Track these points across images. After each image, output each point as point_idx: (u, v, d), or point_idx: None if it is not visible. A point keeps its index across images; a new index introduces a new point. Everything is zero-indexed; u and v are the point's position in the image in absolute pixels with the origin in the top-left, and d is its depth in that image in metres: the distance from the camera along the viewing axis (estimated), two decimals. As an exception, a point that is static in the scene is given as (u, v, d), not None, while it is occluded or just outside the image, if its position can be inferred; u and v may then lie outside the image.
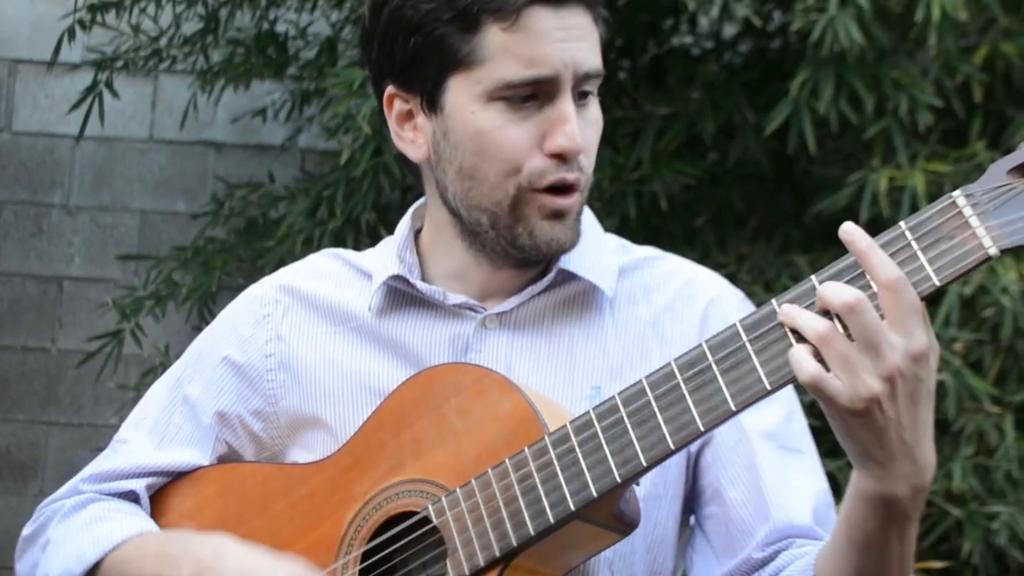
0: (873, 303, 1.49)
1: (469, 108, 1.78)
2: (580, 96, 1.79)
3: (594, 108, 1.82)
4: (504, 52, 1.74)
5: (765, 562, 1.77)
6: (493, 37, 1.74)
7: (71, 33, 4.13)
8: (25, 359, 4.50)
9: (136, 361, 4.14)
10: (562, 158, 1.76)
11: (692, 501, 1.87)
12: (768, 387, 1.56)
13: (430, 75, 1.80)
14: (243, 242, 4.11)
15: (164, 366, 2.01)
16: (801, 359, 1.51)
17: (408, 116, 1.86)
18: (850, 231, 1.52)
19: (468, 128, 1.79)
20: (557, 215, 1.79)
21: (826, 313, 1.52)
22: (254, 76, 4.20)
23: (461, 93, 1.78)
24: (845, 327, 1.50)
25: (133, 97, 4.46)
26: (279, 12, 4.15)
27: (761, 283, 3.55)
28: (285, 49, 4.19)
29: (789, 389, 1.83)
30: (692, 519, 1.88)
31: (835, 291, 1.51)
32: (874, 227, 1.58)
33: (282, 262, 3.25)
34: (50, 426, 4.47)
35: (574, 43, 1.75)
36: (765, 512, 1.79)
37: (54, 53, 4.14)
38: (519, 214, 1.79)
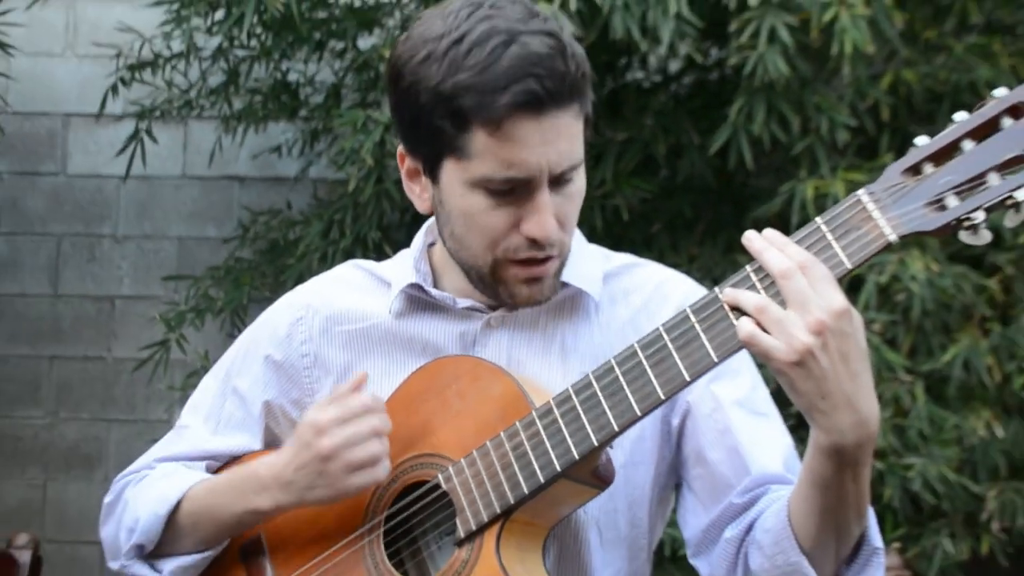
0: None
1: (458, 190, 1.75)
2: (561, 181, 1.74)
3: (576, 183, 1.77)
4: (487, 152, 1.69)
5: (746, 507, 1.77)
6: (479, 139, 1.69)
7: (114, 89, 4.13)
8: (86, 367, 4.49)
9: (180, 365, 4.14)
10: (535, 242, 1.74)
11: (679, 467, 1.87)
12: (715, 359, 1.60)
13: (428, 153, 1.77)
14: (267, 261, 4.11)
15: (205, 369, 2.01)
16: (742, 325, 1.55)
17: (415, 174, 1.83)
18: (748, 238, 1.57)
19: (457, 205, 1.76)
20: (533, 280, 1.78)
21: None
22: (270, 119, 4.21)
23: (452, 175, 1.75)
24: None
25: (168, 141, 4.45)
26: (290, 64, 4.15)
27: (709, 279, 3.56)
28: (296, 95, 4.19)
29: (752, 365, 1.88)
30: (681, 484, 1.88)
31: (774, 259, 1.55)
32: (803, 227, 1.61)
33: (301, 277, 3.27)
34: (110, 423, 4.46)
35: (551, 146, 1.69)
36: (743, 466, 1.79)
37: (100, 107, 4.15)
38: (499, 277, 1.79)
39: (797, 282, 1.52)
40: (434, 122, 1.71)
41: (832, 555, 1.66)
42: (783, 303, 1.53)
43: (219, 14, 3.83)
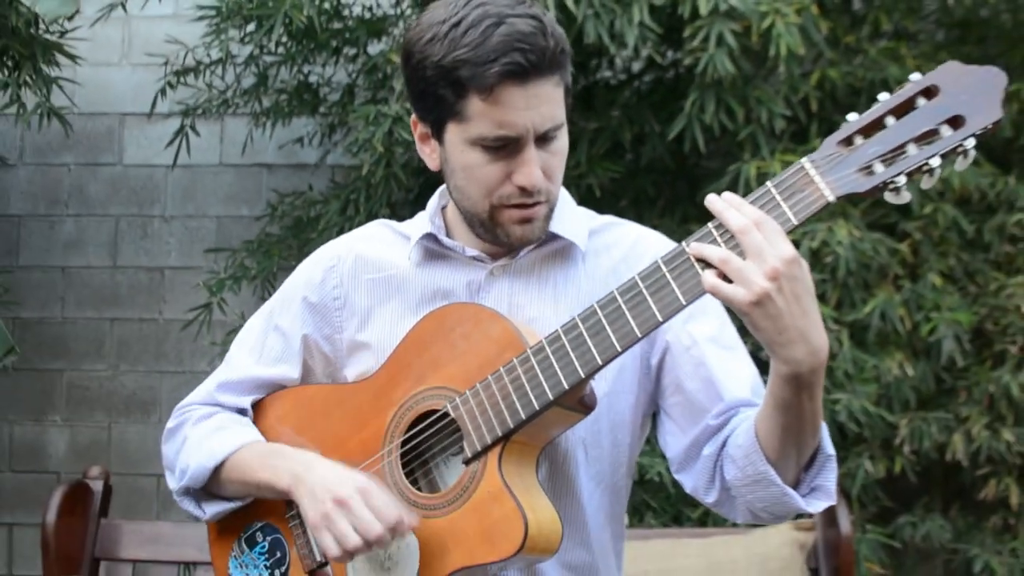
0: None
1: (459, 148, 1.79)
2: (545, 139, 1.77)
3: (559, 141, 1.80)
4: (481, 115, 1.73)
5: (720, 427, 1.80)
6: (474, 104, 1.73)
7: (163, 92, 4.11)
8: (141, 327, 4.49)
9: (221, 325, 4.14)
10: (524, 190, 1.78)
11: (658, 397, 1.88)
12: (683, 302, 1.62)
13: (434, 119, 1.81)
14: (292, 235, 4.10)
15: (243, 327, 2.02)
16: (706, 276, 1.57)
17: (426, 137, 1.86)
18: (710, 200, 1.59)
19: (458, 161, 1.80)
20: (525, 220, 1.81)
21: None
22: (294, 115, 4.19)
23: (454, 136, 1.79)
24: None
25: (208, 135, 4.43)
26: (311, 67, 4.14)
27: (669, 245, 3.58)
28: (316, 94, 4.18)
29: (719, 305, 1.88)
30: (659, 412, 1.89)
31: (734, 217, 1.56)
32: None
33: (324, 247, 3.27)
34: (162, 374, 4.46)
35: (535, 110, 1.73)
36: (717, 394, 1.81)
37: (151, 107, 4.13)
38: (496, 221, 1.82)
39: (753, 236, 1.54)
40: (438, 91, 1.75)
41: (793, 463, 1.68)
42: (742, 255, 1.55)
43: (251, 27, 3.81)
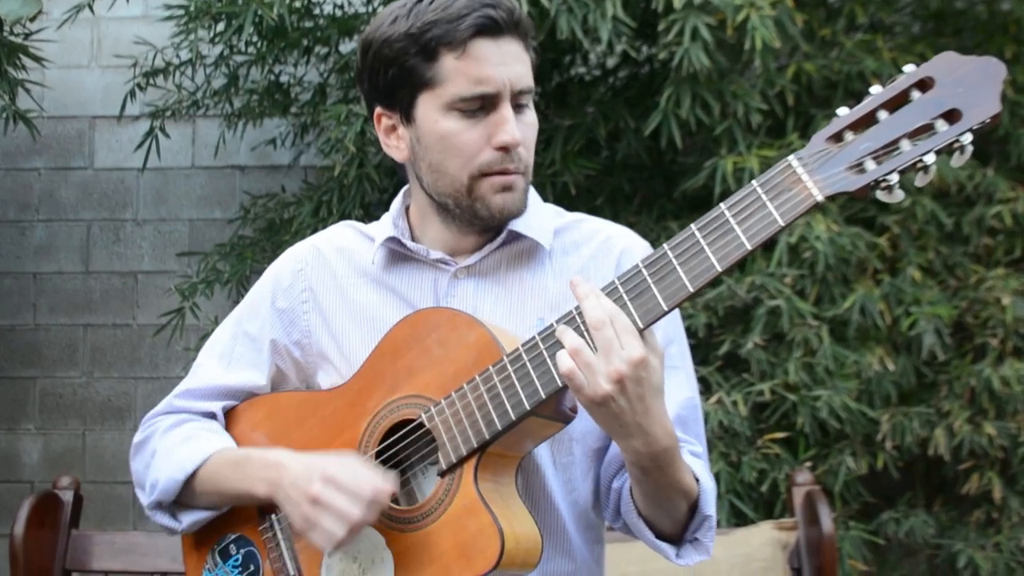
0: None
1: (433, 118, 1.73)
2: (517, 107, 1.74)
3: (530, 114, 1.77)
4: (457, 74, 1.70)
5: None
6: (448, 63, 1.70)
7: (132, 94, 4.04)
8: (115, 333, 4.41)
9: (194, 330, 4.08)
10: (505, 150, 1.72)
11: None
12: (666, 308, 1.56)
13: (405, 96, 1.76)
14: (266, 238, 4.04)
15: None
16: (562, 360, 1.54)
17: (392, 129, 1.81)
18: (574, 283, 1.56)
19: (434, 133, 1.74)
20: (506, 188, 1.74)
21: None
22: (266, 115, 4.13)
23: (427, 107, 1.74)
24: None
25: (179, 137, 4.38)
26: (282, 67, 4.07)
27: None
28: (288, 94, 4.11)
29: (676, 324, 1.85)
30: None
31: (591, 308, 1.53)
32: (725, 197, 1.56)
33: (298, 249, 3.20)
34: (136, 380, 4.39)
35: (510, 66, 1.70)
36: None
37: (121, 109, 4.05)
38: (475, 195, 1.75)
39: (605, 332, 1.51)
40: (408, 63, 1.72)
41: (667, 520, 1.70)
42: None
43: (220, 26, 3.75)
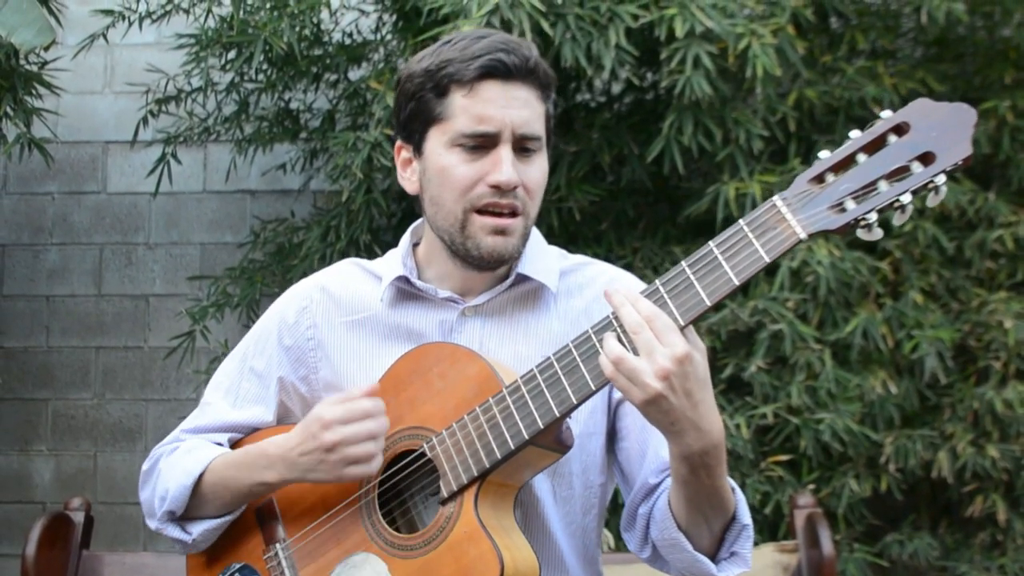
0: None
1: (438, 151, 1.78)
2: (524, 151, 1.77)
3: (538, 160, 1.80)
4: (462, 111, 1.75)
5: (656, 486, 1.78)
6: (456, 100, 1.75)
7: (145, 120, 4.07)
8: (127, 355, 4.44)
9: (205, 352, 4.11)
10: (498, 189, 1.75)
11: (613, 436, 1.87)
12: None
13: (418, 129, 1.81)
14: (275, 262, 4.06)
15: (226, 355, 2.00)
16: (606, 366, 1.56)
17: (408, 162, 1.86)
18: (608, 294, 1.59)
19: (436, 165, 1.78)
20: (498, 231, 1.77)
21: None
22: (276, 141, 4.16)
23: (434, 141, 1.79)
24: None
25: (190, 162, 4.41)
26: (292, 94, 4.11)
27: (651, 268, 3.55)
28: (297, 120, 4.15)
29: None
30: (614, 458, 1.88)
31: (628, 315, 1.56)
32: (727, 225, 1.59)
33: (305, 275, 3.18)
34: (147, 402, 4.41)
35: (514, 110, 1.74)
36: (656, 452, 1.80)
37: (134, 135, 4.09)
38: (468, 233, 1.78)
39: (645, 335, 1.53)
40: (423, 97, 1.78)
41: (705, 531, 1.69)
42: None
43: (231, 54, 3.78)
